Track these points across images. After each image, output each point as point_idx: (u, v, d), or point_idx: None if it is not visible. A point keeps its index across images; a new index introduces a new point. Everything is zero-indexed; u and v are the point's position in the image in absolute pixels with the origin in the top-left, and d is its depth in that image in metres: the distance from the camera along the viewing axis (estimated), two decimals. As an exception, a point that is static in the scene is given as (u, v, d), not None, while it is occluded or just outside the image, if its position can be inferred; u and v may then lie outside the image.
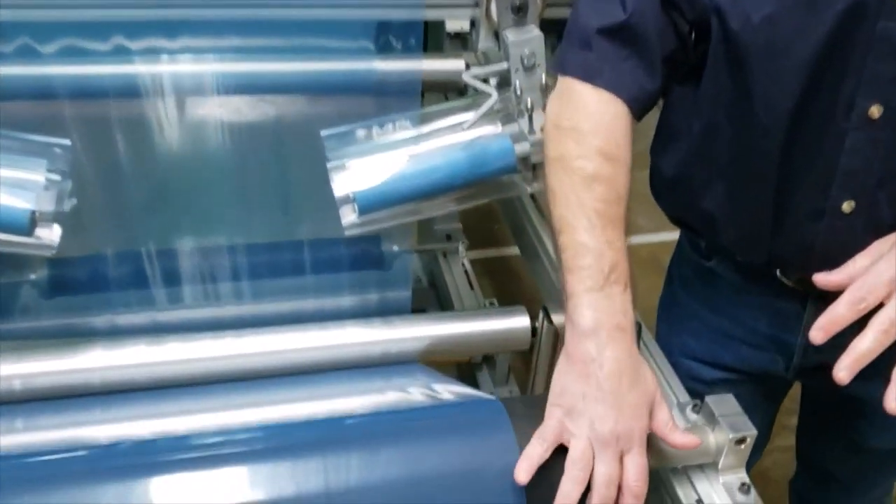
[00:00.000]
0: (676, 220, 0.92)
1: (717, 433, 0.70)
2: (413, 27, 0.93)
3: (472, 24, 1.11)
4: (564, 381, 0.66)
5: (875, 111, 0.70)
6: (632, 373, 0.65)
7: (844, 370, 0.64)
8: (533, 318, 0.89)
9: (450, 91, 1.11)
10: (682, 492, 0.70)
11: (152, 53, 0.87)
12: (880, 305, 0.67)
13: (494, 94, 0.88)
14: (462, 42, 1.15)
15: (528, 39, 0.86)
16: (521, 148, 0.89)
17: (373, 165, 0.87)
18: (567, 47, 0.76)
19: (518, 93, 0.88)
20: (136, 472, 0.64)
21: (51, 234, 0.81)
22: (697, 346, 0.96)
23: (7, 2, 0.82)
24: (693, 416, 0.74)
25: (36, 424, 0.76)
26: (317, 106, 0.96)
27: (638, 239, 2.12)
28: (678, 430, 0.67)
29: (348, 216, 0.86)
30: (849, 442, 1.00)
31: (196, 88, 0.87)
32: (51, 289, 0.94)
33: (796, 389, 1.05)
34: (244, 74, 0.93)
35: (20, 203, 0.80)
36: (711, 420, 0.71)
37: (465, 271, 1.28)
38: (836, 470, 1.07)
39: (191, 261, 0.91)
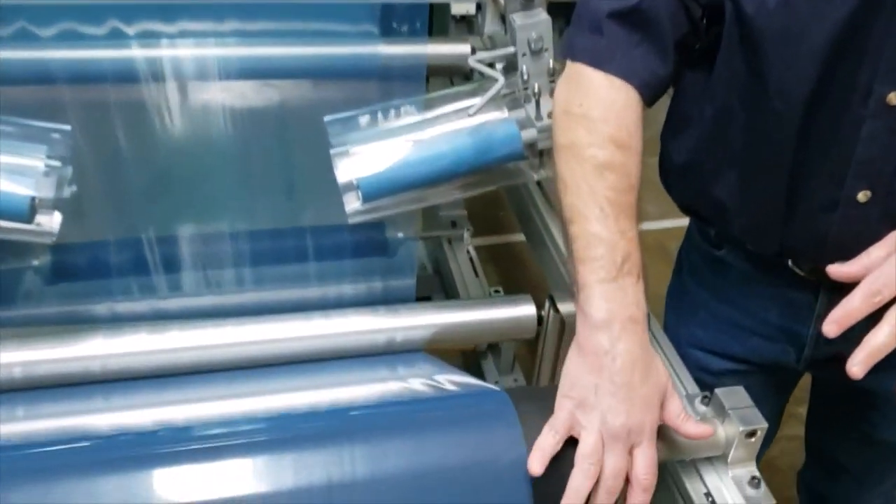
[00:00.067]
0: (686, 209, 0.91)
1: (727, 426, 0.69)
2: (418, 10, 0.92)
3: (479, 7, 1.10)
4: (576, 373, 0.65)
5: (893, 98, 0.69)
6: (644, 366, 0.64)
7: (858, 365, 0.63)
8: (539, 307, 0.88)
9: (455, 76, 1.10)
10: (691, 485, 0.70)
11: (153, 37, 0.85)
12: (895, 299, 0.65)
13: (501, 79, 0.87)
14: (468, 26, 1.14)
15: (535, 23, 0.85)
16: (528, 134, 0.88)
17: (377, 152, 0.86)
18: (576, 31, 0.74)
19: (525, 78, 0.87)
20: (140, 463, 0.63)
21: (51, 222, 0.80)
22: (706, 337, 0.95)
23: (4, -16, 0.81)
24: (702, 408, 0.73)
25: (37, 412, 0.76)
26: (320, 91, 0.95)
27: (644, 226, 2.11)
28: (691, 420, 0.66)
29: (352, 203, 0.85)
30: (860, 434, 0.99)
31: (197, 73, 0.86)
32: (53, 275, 0.94)
33: (805, 378, 1.04)
34: (246, 59, 0.91)
35: (20, 189, 0.79)
36: (721, 412, 0.70)
37: (471, 258, 1.27)
38: (847, 462, 1.06)
39: (193, 248, 0.90)
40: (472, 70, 0.96)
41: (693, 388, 0.78)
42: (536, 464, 0.63)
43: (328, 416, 0.71)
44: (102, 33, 0.84)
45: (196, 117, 0.87)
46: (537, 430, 0.65)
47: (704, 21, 0.74)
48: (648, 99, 0.73)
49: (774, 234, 0.81)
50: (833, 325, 0.66)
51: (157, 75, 0.84)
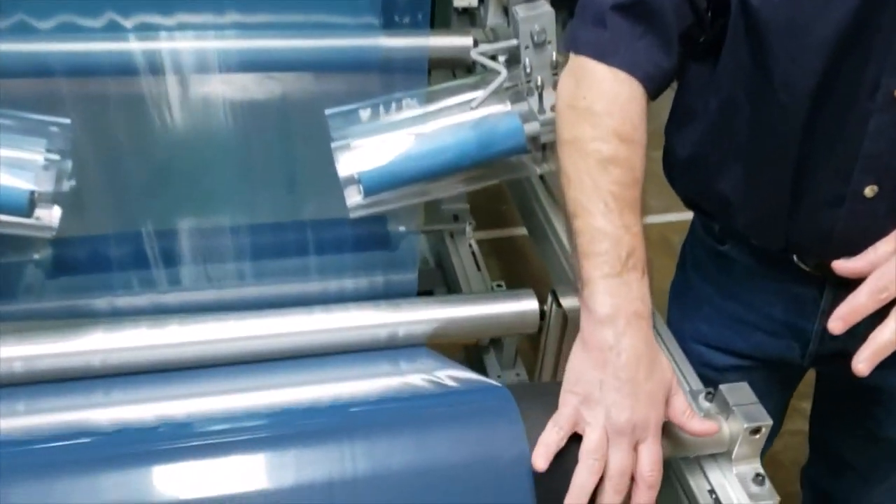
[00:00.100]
0: (690, 203, 0.91)
1: (731, 422, 0.68)
2: (420, 2, 0.91)
3: (481, -1, 1.09)
4: (580, 369, 0.64)
5: (900, 92, 0.68)
6: (649, 361, 0.63)
7: (864, 362, 0.63)
8: (541, 301, 0.88)
9: (457, 68, 1.09)
10: (695, 482, 0.69)
11: (152, 30, 0.85)
12: None
13: (503, 72, 0.86)
14: (470, 18, 1.14)
15: (538, 15, 0.85)
16: (531, 127, 0.88)
17: (378, 145, 0.86)
18: (580, 24, 0.73)
19: (528, 71, 0.86)
20: (140, 460, 0.63)
21: (50, 216, 0.80)
22: (710, 332, 0.95)
23: (2, -25, 0.81)
24: (706, 405, 0.72)
25: (37, 407, 0.76)
26: (321, 83, 0.94)
27: (647, 219, 2.10)
28: (696, 416, 0.66)
29: (353, 197, 0.85)
30: (865, 431, 0.99)
31: (197, 66, 0.85)
32: (53, 269, 0.93)
33: (809, 373, 1.03)
34: (246, 51, 0.91)
35: (19, 183, 0.78)
36: (725, 409, 0.69)
37: (473, 252, 1.26)
38: (852, 459, 1.05)
39: (193, 241, 0.89)
40: (474, 63, 0.95)
41: (697, 383, 0.77)
42: (541, 459, 0.62)
43: (329, 413, 0.71)
44: (101, 26, 0.83)
45: (196, 110, 0.87)
46: (540, 427, 0.64)
47: (709, 13, 0.74)
48: (652, 92, 0.72)
49: (779, 229, 0.80)
50: (839, 321, 0.65)
51: (156, 68, 0.84)
